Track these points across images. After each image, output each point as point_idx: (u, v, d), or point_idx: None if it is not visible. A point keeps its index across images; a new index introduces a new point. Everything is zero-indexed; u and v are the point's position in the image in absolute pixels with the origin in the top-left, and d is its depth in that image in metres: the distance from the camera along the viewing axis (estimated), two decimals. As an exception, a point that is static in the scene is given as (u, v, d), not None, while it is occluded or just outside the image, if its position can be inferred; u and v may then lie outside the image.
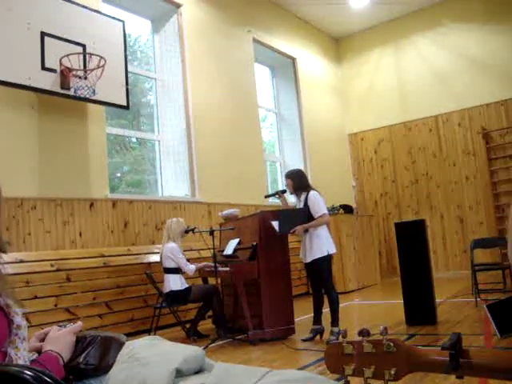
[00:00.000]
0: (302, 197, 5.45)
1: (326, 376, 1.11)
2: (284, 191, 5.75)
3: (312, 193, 5.39)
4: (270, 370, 1.06)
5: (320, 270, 5.28)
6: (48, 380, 1.07)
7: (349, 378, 1.15)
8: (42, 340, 1.64)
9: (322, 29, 12.15)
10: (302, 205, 5.43)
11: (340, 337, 1.18)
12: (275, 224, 5.39)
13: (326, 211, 5.38)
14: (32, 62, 5.64)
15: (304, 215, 5.30)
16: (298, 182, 5.54)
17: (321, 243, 5.26)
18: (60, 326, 1.63)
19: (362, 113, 12.27)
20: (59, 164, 6.14)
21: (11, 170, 5.59)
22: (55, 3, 5.93)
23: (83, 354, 1.59)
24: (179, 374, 1.12)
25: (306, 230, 5.30)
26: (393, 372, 1.09)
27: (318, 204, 5.33)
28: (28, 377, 1.05)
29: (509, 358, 1.03)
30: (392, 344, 1.11)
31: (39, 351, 1.58)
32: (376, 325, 1.26)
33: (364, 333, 1.15)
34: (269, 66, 11.26)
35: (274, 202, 9.56)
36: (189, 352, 1.20)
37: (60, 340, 1.57)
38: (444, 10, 11.07)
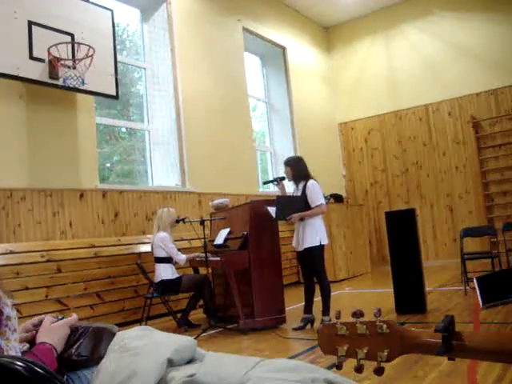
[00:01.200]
0: (301, 185, 5.45)
1: (317, 364, 1.11)
2: (283, 178, 5.72)
3: (311, 182, 5.39)
4: (261, 360, 1.07)
5: (312, 259, 5.30)
6: (39, 371, 1.07)
7: (342, 358, 1.16)
8: (29, 331, 1.64)
9: (311, 18, 12.10)
10: (299, 193, 5.42)
11: (334, 318, 1.19)
12: (271, 210, 5.38)
13: (323, 201, 5.38)
14: (20, 51, 5.57)
15: (301, 203, 5.30)
16: (297, 169, 5.51)
17: (314, 232, 5.27)
18: (56, 318, 1.63)
19: (352, 102, 12.26)
20: (48, 154, 6.10)
21: (0, 161, 5.54)
22: (43, -8, 5.87)
23: (75, 346, 1.60)
24: (171, 363, 1.12)
25: (302, 219, 5.31)
26: (386, 353, 1.10)
27: (316, 194, 5.33)
28: (19, 367, 1.05)
29: (501, 340, 1.04)
30: (385, 325, 1.11)
31: (28, 341, 1.58)
32: (367, 313, 1.26)
33: (357, 314, 1.15)
34: (259, 56, 11.21)
35: (265, 191, 9.57)
36: (180, 342, 1.20)
37: (55, 332, 1.57)
38: (434, -2, 11.08)
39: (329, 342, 1.17)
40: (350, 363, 1.16)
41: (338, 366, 1.15)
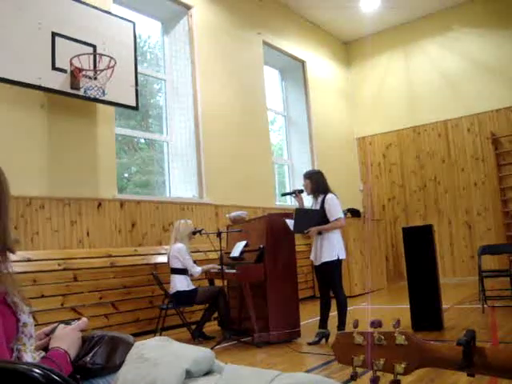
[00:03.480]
0: (319, 199, 5.43)
1: (333, 379, 1.10)
2: (301, 191, 5.71)
3: (330, 196, 5.37)
4: (279, 373, 1.06)
5: (329, 274, 5.27)
6: (56, 378, 1.07)
7: (357, 369, 1.13)
8: (42, 339, 1.65)
9: (331, 32, 12.14)
10: (318, 207, 5.41)
11: (352, 327, 1.16)
12: (290, 222, 5.38)
13: (342, 216, 5.36)
14: (42, 61, 5.66)
15: (319, 217, 5.28)
16: (316, 183, 5.51)
17: (332, 247, 5.25)
18: (66, 324, 1.64)
19: (371, 117, 12.24)
20: (68, 163, 6.16)
21: (20, 169, 5.60)
22: (66, 3, 5.95)
23: (90, 354, 1.60)
24: (189, 375, 1.12)
25: (320, 233, 5.29)
26: (403, 366, 1.07)
27: (335, 208, 5.32)
28: (37, 375, 1.05)
29: None
30: (404, 337, 1.09)
31: (43, 349, 1.58)
32: (382, 329, 1.25)
33: (376, 324, 1.13)
34: (278, 69, 11.25)
35: (282, 204, 9.56)
36: (199, 353, 1.19)
37: (67, 337, 1.57)
38: (454, 14, 11.04)
39: (345, 352, 1.15)
40: (366, 376, 1.14)
41: (354, 377, 1.13)
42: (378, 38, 12.18)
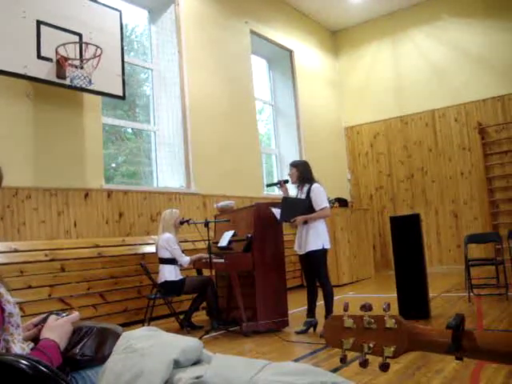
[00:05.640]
0: (305, 188, 5.45)
1: (321, 368, 1.10)
2: (286, 181, 5.73)
3: (315, 185, 5.39)
4: (268, 363, 1.06)
5: (315, 263, 5.29)
6: (44, 370, 1.07)
7: (346, 352, 1.14)
8: (30, 329, 1.64)
9: (319, 21, 12.11)
10: (303, 196, 5.42)
11: (342, 310, 1.17)
12: (276, 211, 5.39)
13: (327, 205, 5.38)
14: (28, 50, 5.59)
15: (306, 206, 5.30)
16: (303, 172, 5.52)
17: (317, 236, 5.26)
18: (57, 315, 1.63)
19: (359, 106, 12.25)
20: (54, 154, 6.11)
21: (6, 159, 5.53)
22: (52, -9, 5.89)
23: (79, 346, 1.59)
24: (177, 365, 1.12)
25: (305, 222, 5.31)
26: (392, 349, 1.08)
27: (321, 197, 5.34)
28: (24, 366, 1.04)
29: (511, 342, 1.02)
30: (393, 321, 1.09)
31: (32, 340, 1.58)
32: (372, 313, 1.26)
33: (366, 307, 1.13)
34: (266, 58, 11.22)
35: (270, 194, 9.57)
36: (187, 343, 1.19)
37: (59, 328, 1.57)
38: (442, 4, 11.06)
39: (335, 334, 1.15)
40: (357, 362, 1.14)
41: (343, 360, 1.13)
42: (366, 27, 12.17)
